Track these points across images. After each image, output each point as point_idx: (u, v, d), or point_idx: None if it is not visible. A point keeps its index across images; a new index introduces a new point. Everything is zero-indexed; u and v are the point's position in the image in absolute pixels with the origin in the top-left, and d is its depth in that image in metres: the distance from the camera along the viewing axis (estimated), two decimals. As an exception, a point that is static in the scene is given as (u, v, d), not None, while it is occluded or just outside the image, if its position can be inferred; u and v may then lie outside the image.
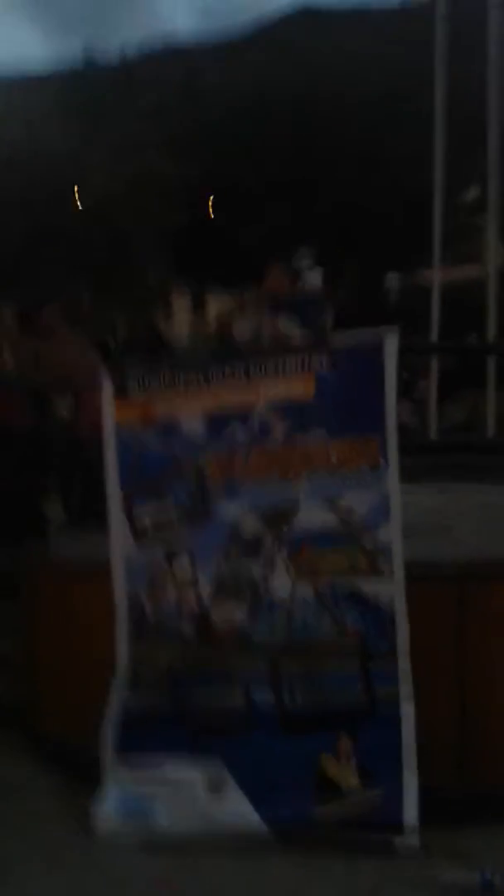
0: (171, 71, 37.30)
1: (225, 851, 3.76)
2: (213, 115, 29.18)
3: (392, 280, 18.63)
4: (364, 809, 3.76)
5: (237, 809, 3.89)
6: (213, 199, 23.95)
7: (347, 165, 28.20)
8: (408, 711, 3.79)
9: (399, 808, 3.69)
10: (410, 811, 3.66)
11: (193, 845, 3.81)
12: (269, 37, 48.95)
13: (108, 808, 4.09)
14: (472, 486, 8.11)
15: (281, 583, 4.06)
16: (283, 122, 29.39)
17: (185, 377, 4.40)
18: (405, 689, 3.81)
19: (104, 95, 33.17)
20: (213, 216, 22.98)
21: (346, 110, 30.36)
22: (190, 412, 4.37)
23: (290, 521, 4.11)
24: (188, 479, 4.33)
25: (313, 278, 12.34)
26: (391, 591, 3.91)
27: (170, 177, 18.93)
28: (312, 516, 4.07)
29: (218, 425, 4.31)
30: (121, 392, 4.53)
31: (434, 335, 11.50)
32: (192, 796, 3.98)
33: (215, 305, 28.89)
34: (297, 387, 4.20)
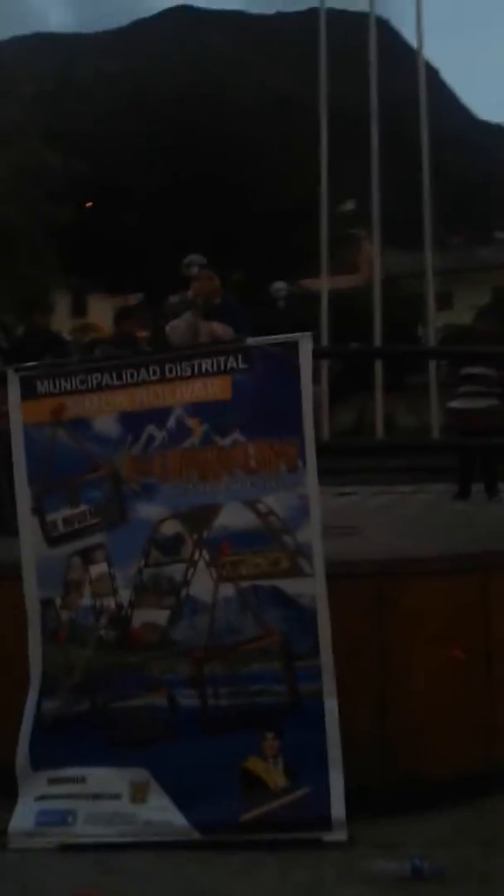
0: (45, 61, 36.45)
1: (151, 856, 3.72)
2: (95, 109, 28.74)
3: (279, 288, 18.88)
4: (292, 807, 3.78)
5: (162, 814, 3.84)
6: (99, 197, 23.69)
7: (229, 171, 28.37)
8: (332, 707, 3.84)
9: (326, 803, 3.74)
10: (338, 806, 3.72)
11: (118, 852, 3.73)
12: (145, 31, 48.59)
13: (23, 818, 3.96)
14: (368, 487, 8.38)
15: (203, 585, 4.04)
16: (166, 119, 29.27)
17: (97, 377, 4.31)
18: (328, 685, 3.86)
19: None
20: (96, 215, 22.71)
21: (226, 113, 30.53)
22: (104, 412, 4.28)
23: (210, 523, 4.09)
24: (103, 479, 4.25)
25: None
26: (313, 590, 3.95)
27: (56, 171, 18.56)
28: (233, 518, 4.07)
29: (133, 425, 4.24)
30: (29, 391, 4.39)
31: (324, 341, 11.75)
32: (115, 803, 3.91)
33: (97, 307, 28.56)
34: (213, 388, 4.18)
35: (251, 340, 4.27)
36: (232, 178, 28.23)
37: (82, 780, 3.99)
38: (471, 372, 6.80)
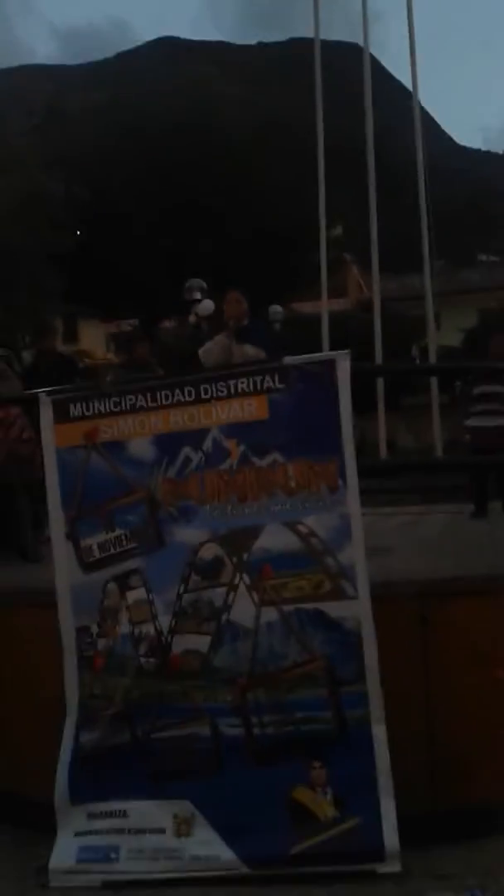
0: (34, 92, 36.70)
1: (198, 892, 3.60)
2: (84, 139, 28.85)
3: (275, 311, 19.00)
4: (343, 839, 3.67)
5: (209, 848, 3.72)
6: (95, 224, 23.69)
7: (218, 197, 28.54)
8: (380, 734, 3.75)
9: (379, 834, 3.63)
10: (391, 836, 3.61)
11: (164, 888, 3.61)
12: (130, 63, 49.04)
13: (63, 855, 3.83)
14: (379, 508, 8.30)
15: (244, 609, 3.95)
16: (156, 146, 29.42)
17: (131, 399, 4.24)
18: (376, 711, 3.77)
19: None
20: (91, 242, 22.73)
21: (213, 140, 30.75)
22: (138, 434, 4.21)
23: (250, 546, 4.01)
24: (139, 503, 4.17)
25: (205, 308, 12.38)
26: (357, 612, 3.87)
27: (58, 197, 18.55)
28: (274, 540, 3.99)
29: (169, 448, 4.17)
30: (62, 414, 4.31)
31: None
32: (158, 838, 3.78)
33: (88, 333, 28.55)
34: (250, 408, 4.12)
35: (288, 359, 4.22)
36: (220, 204, 28.39)
37: (124, 814, 3.87)
38: (486, 391, 6.80)
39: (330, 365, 4.06)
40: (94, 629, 4.12)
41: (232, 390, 4.13)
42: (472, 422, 6.94)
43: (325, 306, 12.77)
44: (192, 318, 12.60)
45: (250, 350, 6.06)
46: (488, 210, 56.18)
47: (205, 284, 12.78)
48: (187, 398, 4.18)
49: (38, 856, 3.85)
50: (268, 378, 4.11)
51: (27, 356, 7.75)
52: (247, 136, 33.75)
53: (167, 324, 24.83)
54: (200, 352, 6.53)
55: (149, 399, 4.21)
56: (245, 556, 4.00)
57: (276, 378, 4.09)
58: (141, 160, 29.98)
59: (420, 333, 22.72)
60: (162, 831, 3.80)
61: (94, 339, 28.95)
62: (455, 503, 9.12)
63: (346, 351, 4.15)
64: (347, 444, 4.01)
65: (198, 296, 12.62)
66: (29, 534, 5.81)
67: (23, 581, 4.82)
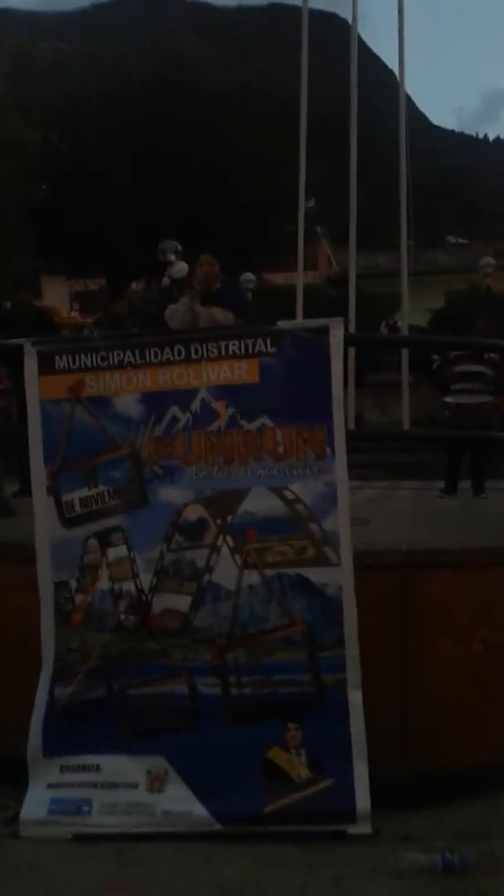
0: (4, 38, 35.66)
1: (171, 848, 3.62)
2: (53, 90, 28.15)
3: (248, 279, 18.85)
4: (316, 799, 3.72)
5: (182, 805, 3.75)
6: (70, 179, 23.23)
7: (192, 160, 28.11)
8: (356, 699, 3.79)
9: (351, 796, 3.69)
10: (363, 798, 3.67)
11: (136, 843, 3.63)
12: (105, 15, 47.81)
13: (35, 807, 3.82)
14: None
15: (226, 571, 3.95)
16: (129, 104, 28.81)
17: (119, 355, 4.17)
18: (353, 676, 3.81)
19: None
20: (60, 198, 22.27)
21: (189, 101, 30.21)
22: (125, 391, 4.15)
23: (235, 509, 4.00)
24: (123, 460, 4.12)
25: (179, 270, 12.19)
26: (339, 579, 3.89)
27: (34, 146, 18.06)
28: (259, 504, 3.98)
29: (156, 406, 4.12)
30: (47, 366, 4.23)
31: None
32: (131, 793, 3.80)
33: (51, 291, 28.01)
34: (240, 371, 4.08)
35: (281, 324, 4.18)
36: (195, 167, 28.00)
37: (97, 768, 3.87)
38: (468, 370, 6.86)
39: (323, 331, 4.04)
40: (73, 584, 4.08)
41: (223, 352, 4.09)
42: (452, 398, 7.00)
43: (301, 278, 12.67)
44: (164, 280, 12.41)
45: (218, 313, 5.95)
46: (459, 192, 56.32)
47: (179, 246, 12.58)
48: (177, 357, 4.13)
49: (10, 808, 3.84)
50: (260, 341, 4.07)
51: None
52: (222, 99, 33.25)
53: (135, 286, 24.60)
54: (165, 313, 6.41)
55: (137, 356, 4.15)
56: (229, 519, 3.99)
57: (269, 342, 4.06)
58: (114, 117, 29.37)
59: (387, 311, 22.74)
60: (135, 786, 3.81)
61: (57, 297, 28.45)
62: (420, 479, 9.23)
63: (340, 318, 4.14)
64: (337, 412, 4.00)
65: (172, 257, 12.43)
66: (2, 487, 5.73)
67: (2, 534, 4.75)
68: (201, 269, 6.37)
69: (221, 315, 5.95)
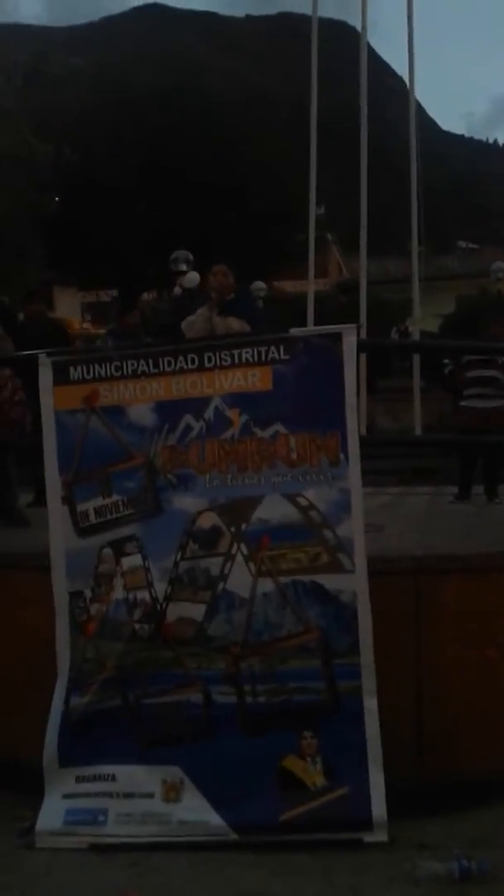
0: (17, 53, 35.90)
1: (186, 857, 3.62)
2: (66, 103, 28.36)
3: (259, 288, 18.87)
4: (331, 807, 3.71)
5: (197, 814, 3.74)
6: (77, 191, 23.37)
7: (202, 171, 28.24)
8: (371, 706, 3.78)
9: (367, 803, 3.67)
10: (379, 806, 3.66)
11: (152, 853, 3.63)
12: (116, 28, 48.10)
13: (50, 817, 3.83)
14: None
15: (241, 579, 3.95)
16: (140, 115, 29.02)
17: (133, 364, 4.19)
18: (368, 683, 3.80)
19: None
20: (73, 209, 22.41)
21: (199, 112, 30.38)
22: (139, 400, 4.17)
23: (249, 516, 4.01)
24: (137, 469, 4.14)
25: (190, 280, 12.18)
26: (353, 586, 3.88)
27: (45, 158, 18.17)
28: (273, 511, 3.99)
29: (170, 415, 4.14)
30: (61, 377, 4.26)
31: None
32: (147, 802, 3.80)
33: (63, 302, 28.14)
34: (254, 378, 4.09)
35: (294, 331, 4.20)
36: (205, 176, 28.12)
37: (112, 778, 3.87)
38: (482, 375, 6.85)
39: (336, 338, 4.04)
40: (88, 594, 4.10)
41: (236, 359, 4.11)
42: (467, 403, 6.99)
43: (311, 286, 12.66)
44: (176, 290, 12.40)
45: (234, 323, 5.98)
46: (469, 197, 56.25)
47: (191, 256, 12.57)
48: (190, 366, 4.15)
49: (26, 819, 3.84)
50: (273, 349, 4.08)
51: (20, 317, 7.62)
52: (232, 108, 33.40)
53: (146, 296, 24.64)
54: (182, 324, 6.44)
55: (151, 365, 4.18)
56: (243, 527, 4.00)
57: (282, 349, 4.07)
58: (125, 128, 29.54)
59: (398, 317, 22.71)
60: (151, 796, 3.81)
61: (69, 308, 28.57)
62: (432, 485, 9.21)
63: (353, 325, 4.15)
64: (350, 419, 4.01)
65: (183, 267, 12.41)
66: (16, 497, 5.76)
67: (16, 545, 4.77)
68: (216, 279, 6.40)
69: (238, 325, 5.97)
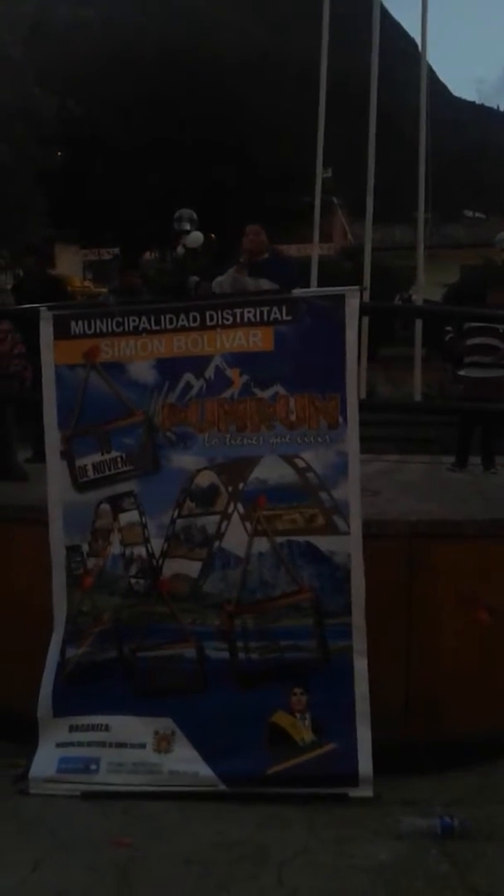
0: (20, 2, 35.15)
1: (176, 807, 3.70)
2: (71, 56, 27.85)
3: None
4: (319, 762, 3.78)
5: (188, 765, 3.81)
6: (85, 146, 23.05)
7: (209, 129, 27.78)
8: (360, 666, 3.84)
9: (353, 760, 3.75)
10: (365, 763, 3.73)
11: (142, 802, 3.71)
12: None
13: (44, 764, 3.91)
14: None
15: (236, 538, 3.99)
16: (147, 72, 28.50)
17: (134, 320, 4.19)
18: (359, 644, 3.86)
19: None
20: (76, 165, 22.11)
21: (206, 69, 29.88)
22: (139, 357, 4.18)
23: (246, 476, 4.04)
24: (137, 426, 4.15)
25: (194, 240, 12.11)
26: (347, 548, 3.93)
27: (49, 111, 17.84)
28: (270, 472, 4.02)
29: (170, 372, 4.15)
30: (62, 331, 4.26)
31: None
32: (139, 752, 3.87)
33: (65, 259, 27.90)
34: (255, 339, 4.09)
35: (296, 292, 4.19)
36: (211, 134, 27.69)
37: (105, 728, 3.94)
38: (482, 342, 6.83)
39: (339, 300, 4.04)
40: (85, 548, 4.14)
41: (238, 319, 4.10)
42: (465, 372, 6.98)
43: (316, 249, 12.61)
44: (179, 250, 12.33)
45: (265, 285, 5.87)
46: (477, 166, 55.57)
47: (195, 215, 12.47)
48: (192, 324, 4.14)
49: (21, 766, 3.92)
50: (275, 309, 4.08)
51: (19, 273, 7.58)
52: (240, 67, 32.77)
53: (148, 255, 24.49)
54: (213, 284, 6.33)
55: (152, 322, 4.17)
56: (240, 486, 4.03)
57: (284, 310, 4.07)
58: (130, 84, 29.03)
59: (402, 284, 22.54)
60: (142, 746, 3.89)
61: (71, 266, 28.34)
62: (429, 454, 9.23)
63: (356, 287, 4.14)
64: (350, 382, 4.02)
65: (187, 227, 12.33)
66: (15, 452, 5.77)
67: (14, 499, 4.80)
68: (247, 239, 6.28)
69: (269, 287, 5.86)
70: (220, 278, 6.25)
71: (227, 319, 4.11)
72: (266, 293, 4.94)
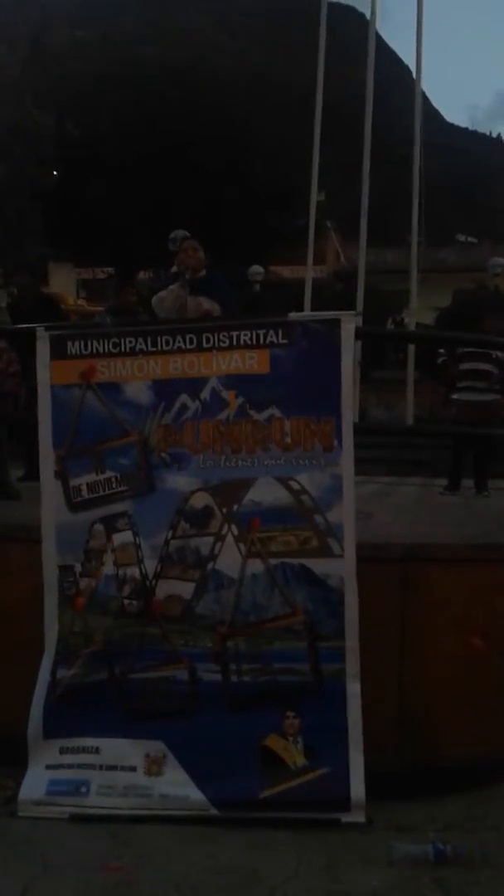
0: (19, 22, 35.50)
1: (166, 831, 3.67)
2: (70, 76, 28.10)
3: (256, 272, 18.80)
4: (311, 787, 3.76)
5: (179, 789, 3.79)
6: (81, 166, 23.24)
7: (205, 151, 28.04)
8: (353, 690, 3.83)
9: (346, 785, 3.73)
10: (357, 788, 3.72)
11: (132, 825, 3.68)
12: (123, 1, 47.37)
13: (33, 787, 3.87)
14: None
15: (230, 559, 3.98)
16: (144, 91, 28.74)
17: (131, 341, 4.20)
18: (352, 667, 3.85)
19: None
20: (73, 184, 22.27)
21: (202, 90, 30.15)
22: (136, 378, 4.19)
23: (241, 498, 4.04)
24: (132, 446, 4.16)
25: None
26: (341, 571, 3.93)
27: (48, 131, 18.02)
28: (265, 494, 4.02)
29: (166, 393, 4.16)
30: (59, 351, 4.27)
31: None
32: (129, 775, 3.84)
33: (58, 278, 27.97)
34: (251, 361, 4.11)
35: (293, 315, 4.23)
36: (207, 155, 27.93)
37: (96, 750, 3.91)
38: (475, 367, 6.88)
39: (335, 325, 4.06)
40: (78, 568, 4.12)
41: (234, 341, 4.12)
42: (458, 396, 7.03)
43: (310, 272, 12.66)
44: (174, 269, 12.36)
45: (205, 303, 5.89)
46: (470, 190, 56.10)
47: (189, 236, 12.55)
48: (188, 346, 4.16)
49: (9, 788, 3.89)
50: (271, 332, 4.10)
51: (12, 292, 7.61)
52: (236, 89, 33.16)
53: (142, 275, 24.56)
54: (154, 300, 6.32)
55: (149, 343, 4.19)
56: (235, 508, 4.03)
57: (280, 333, 4.09)
58: (128, 104, 29.29)
59: (394, 308, 22.65)
60: (133, 769, 3.86)
61: (63, 284, 28.38)
62: (421, 476, 9.25)
63: (352, 312, 4.17)
64: (346, 406, 4.03)
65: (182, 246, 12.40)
66: (8, 471, 5.76)
67: (7, 516, 4.79)
68: (185, 255, 6.27)
69: (208, 305, 5.88)
70: (161, 293, 6.23)
71: (224, 342, 4.13)
72: (264, 316, 4.96)
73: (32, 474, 5.67)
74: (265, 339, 4.10)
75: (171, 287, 6.18)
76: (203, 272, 6.28)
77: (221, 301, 5.99)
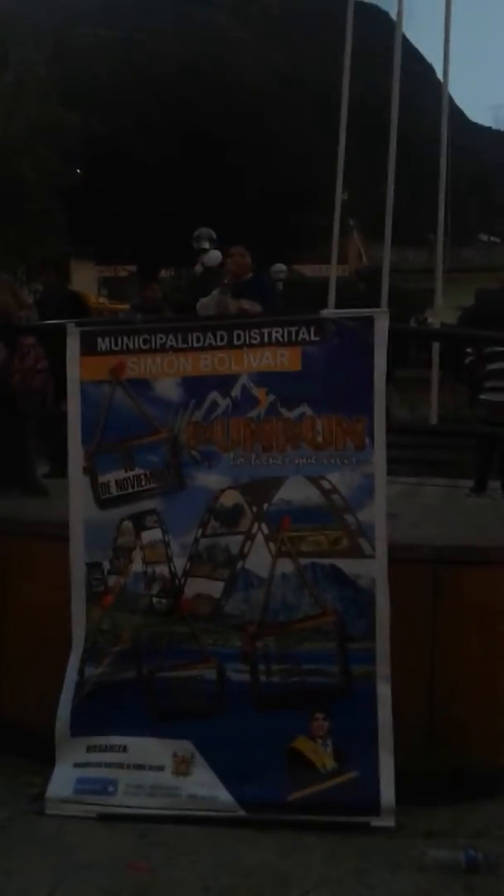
0: (44, 21, 35.63)
1: (194, 831, 3.64)
2: (93, 75, 28.21)
3: (279, 270, 18.77)
4: (340, 790, 3.71)
5: (207, 789, 3.75)
6: (105, 164, 23.33)
7: (228, 150, 28.07)
8: (384, 692, 3.78)
9: (375, 788, 3.68)
10: (387, 792, 3.66)
11: (159, 825, 3.65)
12: (146, 1, 47.52)
13: (61, 785, 3.85)
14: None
15: (260, 559, 3.94)
16: (167, 91, 28.82)
17: (161, 338, 4.18)
18: (383, 669, 3.80)
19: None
20: (96, 183, 22.35)
21: (226, 90, 30.19)
22: (166, 374, 4.16)
23: (271, 496, 4.00)
24: (161, 443, 4.13)
25: (212, 258, 12.12)
26: (372, 571, 3.88)
27: (73, 129, 18.08)
28: (295, 493, 3.98)
29: (196, 391, 4.13)
30: (89, 347, 4.25)
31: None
32: (157, 775, 3.81)
33: (80, 276, 28.05)
34: (282, 358, 4.07)
35: (325, 312, 4.18)
36: (231, 154, 27.94)
37: (123, 749, 3.89)
38: (501, 367, 6.80)
39: (368, 322, 4.01)
40: (106, 566, 4.10)
41: (265, 339, 4.09)
42: (486, 396, 6.95)
43: (334, 271, 12.62)
44: (197, 268, 12.34)
45: (246, 304, 5.99)
46: (493, 190, 55.79)
47: (214, 234, 12.52)
48: (219, 342, 4.13)
49: (36, 785, 3.87)
50: (303, 330, 4.06)
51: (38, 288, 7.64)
52: (261, 88, 33.14)
53: (164, 273, 24.61)
54: (197, 305, 6.47)
55: (179, 340, 4.16)
56: (265, 507, 3.99)
57: (312, 330, 4.05)
58: (150, 103, 29.36)
59: (416, 307, 22.54)
60: (161, 769, 3.83)
61: (85, 282, 28.47)
62: (446, 477, 9.18)
63: (384, 310, 4.12)
64: (378, 404, 3.98)
65: (206, 245, 12.35)
66: (35, 467, 5.75)
67: (34, 513, 4.78)
68: (233, 260, 6.43)
69: (249, 306, 5.99)
70: (204, 300, 6.36)
71: (255, 339, 4.09)
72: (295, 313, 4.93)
73: (57, 471, 5.67)
74: (297, 336, 4.06)
75: (213, 293, 6.32)
76: (249, 275, 6.38)
77: (264, 302, 6.04)
